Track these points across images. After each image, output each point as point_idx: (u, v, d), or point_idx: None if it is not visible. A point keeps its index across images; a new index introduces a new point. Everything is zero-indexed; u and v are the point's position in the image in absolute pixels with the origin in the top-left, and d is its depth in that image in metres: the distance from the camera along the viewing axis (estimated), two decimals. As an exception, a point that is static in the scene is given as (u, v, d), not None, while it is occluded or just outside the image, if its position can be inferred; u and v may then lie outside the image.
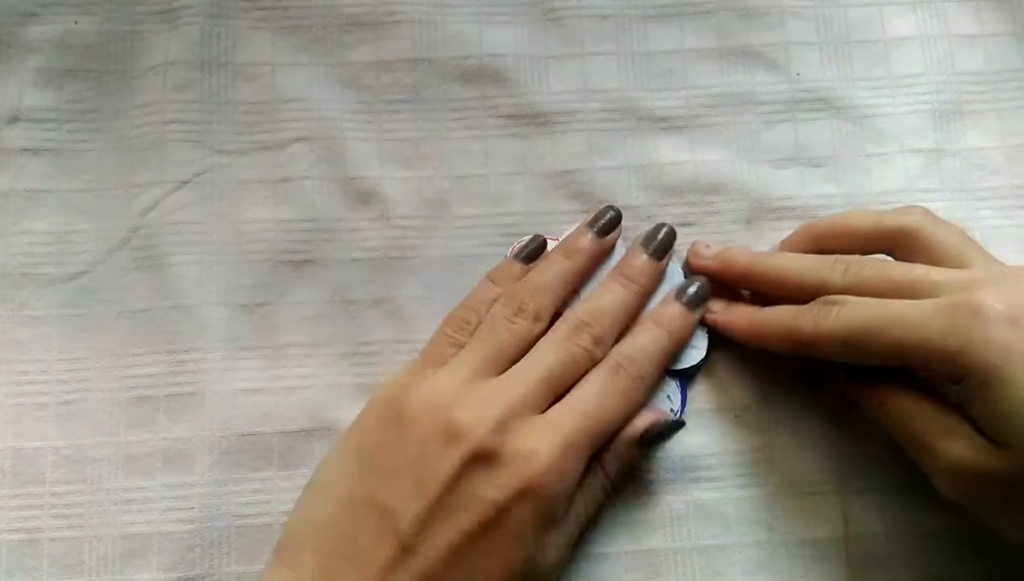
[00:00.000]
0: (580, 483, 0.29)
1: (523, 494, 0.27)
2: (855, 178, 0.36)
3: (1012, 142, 0.36)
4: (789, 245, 0.34)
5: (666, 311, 0.32)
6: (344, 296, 0.34)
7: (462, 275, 0.34)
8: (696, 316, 0.33)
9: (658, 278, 0.33)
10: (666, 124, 0.37)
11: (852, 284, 0.29)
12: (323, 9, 0.37)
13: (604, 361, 0.30)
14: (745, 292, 0.34)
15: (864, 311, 0.28)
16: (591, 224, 0.33)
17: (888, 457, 0.33)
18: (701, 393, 0.34)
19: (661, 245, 0.33)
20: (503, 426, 0.28)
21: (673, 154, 0.36)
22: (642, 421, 0.30)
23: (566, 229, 0.34)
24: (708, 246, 0.34)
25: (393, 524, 0.27)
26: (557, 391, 0.30)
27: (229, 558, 0.31)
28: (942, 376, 0.28)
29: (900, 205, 0.33)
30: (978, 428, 0.27)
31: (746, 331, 0.32)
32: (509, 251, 0.34)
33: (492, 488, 0.27)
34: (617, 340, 0.31)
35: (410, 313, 0.34)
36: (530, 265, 0.33)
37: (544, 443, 0.28)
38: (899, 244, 0.30)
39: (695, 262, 0.34)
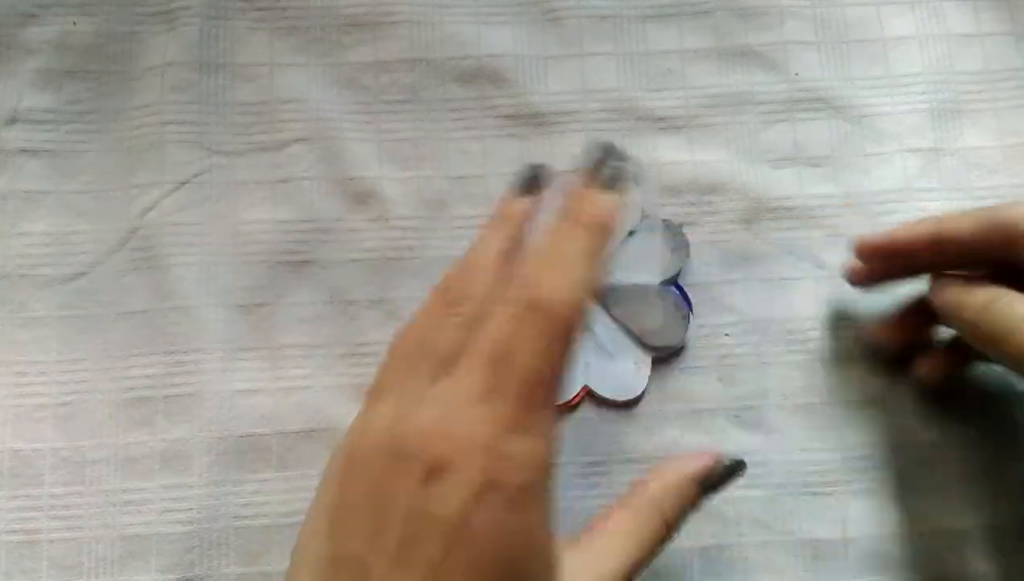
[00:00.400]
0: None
1: (483, 493, 0.24)
2: (854, 178, 0.36)
3: (1010, 141, 0.36)
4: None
5: (579, 201, 0.27)
6: (343, 297, 0.34)
7: (461, 275, 0.34)
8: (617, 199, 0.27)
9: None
10: (665, 124, 0.37)
11: None
12: (321, 10, 0.37)
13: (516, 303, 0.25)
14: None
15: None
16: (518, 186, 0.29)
17: (888, 457, 0.33)
18: (701, 393, 0.34)
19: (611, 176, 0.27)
20: (446, 431, 0.24)
21: (672, 154, 0.36)
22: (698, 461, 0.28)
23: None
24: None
25: (366, 576, 0.24)
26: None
27: (228, 559, 0.31)
28: None
29: (898, 205, 0.34)
30: None
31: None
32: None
33: (449, 502, 0.24)
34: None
35: (409, 314, 0.34)
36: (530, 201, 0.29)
37: (485, 428, 0.24)
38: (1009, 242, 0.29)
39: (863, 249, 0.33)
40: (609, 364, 0.34)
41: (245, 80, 0.36)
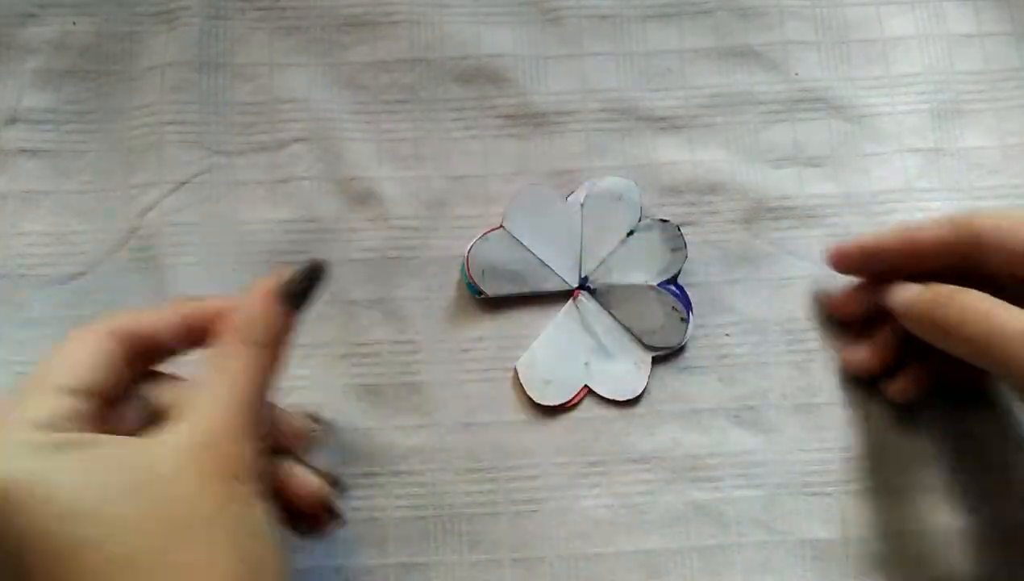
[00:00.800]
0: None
1: None
2: (854, 178, 0.36)
3: (1010, 141, 0.36)
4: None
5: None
6: (343, 296, 0.34)
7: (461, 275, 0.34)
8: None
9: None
10: (665, 124, 0.37)
11: None
12: (321, 10, 0.37)
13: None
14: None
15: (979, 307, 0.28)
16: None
17: (888, 457, 0.33)
18: (701, 393, 0.34)
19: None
20: None
21: (672, 154, 0.36)
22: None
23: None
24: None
25: None
26: None
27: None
28: None
29: (898, 205, 0.34)
30: None
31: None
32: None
33: None
34: None
35: (409, 313, 0.34)
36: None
37: None
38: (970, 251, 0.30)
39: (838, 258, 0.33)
40: (609, 364, 0.34)
41: (245, 80, 0.36)
